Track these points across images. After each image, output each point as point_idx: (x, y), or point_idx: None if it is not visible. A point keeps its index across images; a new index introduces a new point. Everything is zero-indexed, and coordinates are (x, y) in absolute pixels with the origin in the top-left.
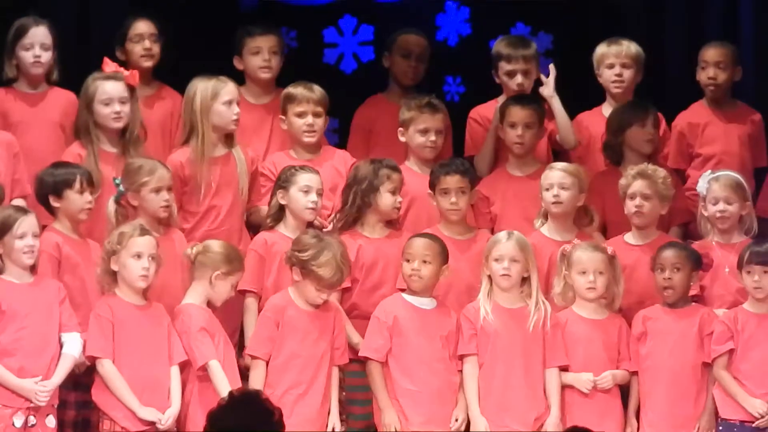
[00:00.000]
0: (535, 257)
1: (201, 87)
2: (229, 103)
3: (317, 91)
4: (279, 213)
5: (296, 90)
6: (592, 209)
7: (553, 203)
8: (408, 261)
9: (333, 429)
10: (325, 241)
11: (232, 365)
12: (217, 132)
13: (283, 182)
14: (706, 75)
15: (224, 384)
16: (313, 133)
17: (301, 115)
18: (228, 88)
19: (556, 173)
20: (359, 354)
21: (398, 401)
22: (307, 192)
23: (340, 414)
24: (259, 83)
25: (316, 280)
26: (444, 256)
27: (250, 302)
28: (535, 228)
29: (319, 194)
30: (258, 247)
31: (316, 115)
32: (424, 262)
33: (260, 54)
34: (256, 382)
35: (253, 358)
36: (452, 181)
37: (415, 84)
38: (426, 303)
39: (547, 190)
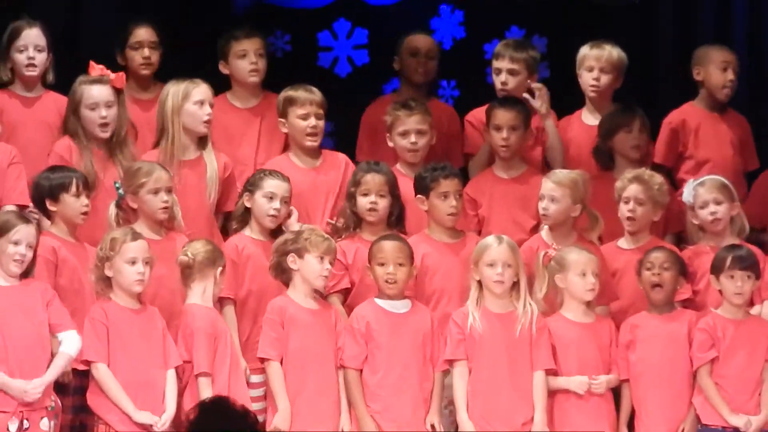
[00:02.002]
0: (533, 262)
1: (173, 89)
2: (201, 103)
3: (318, 93)
4: (245, 215)
5: (297, 93)
6: (595, 213)
7: (542, 215)
8: (382, 265)
9: (342, 429)
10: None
11: (236, 366)
12: (188, 134)
13: (250, 185)
14: (726, 77)
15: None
16: (316, 136)
17: (304, 117)
18: (200, 89)
19: (548, 185)
20: (338, 364)
21: (371, 408)
22: (271, 198)
23: None
24: (247, 87)
25: (315, 249)
26: (412, 257)
27: (228, 310)
28: (533, 231)
29: (284, 202)
30: (230, 253)
31: (318, 117)
32: (399, 264)
33: (247, 57)
34: (276, 382)
35: (266, 360)
36: (451, 184)
37: (426, 82)
38: (400, 306)
39: (540, 200)
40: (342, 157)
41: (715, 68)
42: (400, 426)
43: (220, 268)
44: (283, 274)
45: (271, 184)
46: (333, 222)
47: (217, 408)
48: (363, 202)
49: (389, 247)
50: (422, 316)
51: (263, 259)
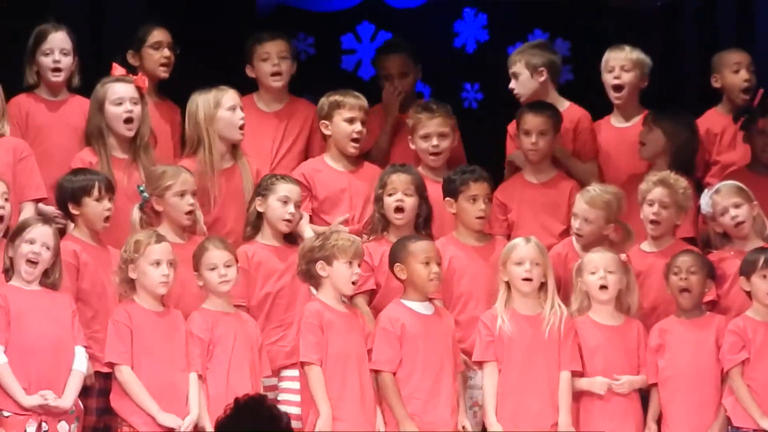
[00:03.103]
0: (562, 268)
1: (202, 99)
2: (233, 108)
3: (364, 99)
4: (257, 221)
5: (345, 97)
6: (628, 226)
7: (576, 234)
8: (426, 264)
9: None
10: (322, 230)
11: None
12: (224, 142)
13: (262, 190)
14: (740, 78)
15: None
16: (359, 142)
17: (351, 121)
18: (229, 95)
19: (582, 206)
20: (371, 367)
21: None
22: (285, 203)
23: None
24: (271, 90)
25: (343, 255)
26: None
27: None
28: (560, 236)
29: (297, 206)
30: (242, 262)
31: (363, 122)
32: (439, 264)
33: (269, 60)
34: (317, 386)
35: (308, 364)
36: (481, 188)
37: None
38: (425, 308)
39: (574, 217)
40: (378, 170)
41: (729, 71)
42: (437, 428)
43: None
44: (311, 280)
45: (284, 188)
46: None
47: (251, 407)
48: (389, 201)
49: (431, 246)
50: (447, 317)
51: (274, 264)
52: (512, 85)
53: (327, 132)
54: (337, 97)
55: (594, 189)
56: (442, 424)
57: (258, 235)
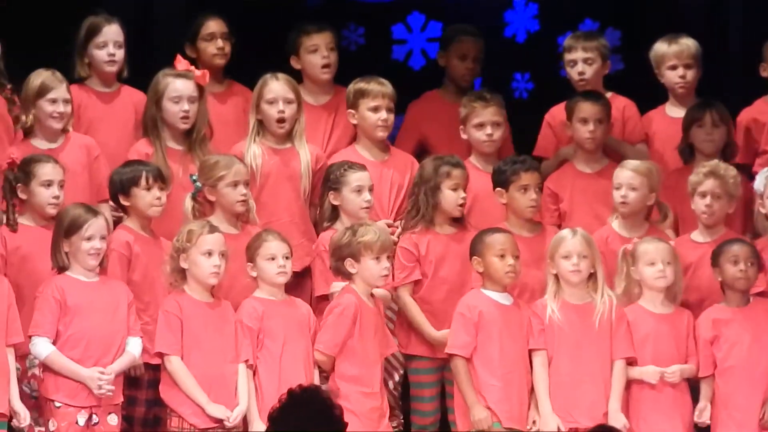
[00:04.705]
0: (605, 252)
1: (258, 83)
2: (271, 102)
3: (389, 86)
4: (334, 213)
5: (369, 85)
6: (666, 206)
7: (621, 203)
8: (502, 257)
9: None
10: (350, 225)
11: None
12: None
13: (333, 184)
14: None
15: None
16: (386, 128)
17: (375, 109)
18: (270, 87)
19: (626, 173)
20: (446, 351)
21: (484, 398)
22: (359, 191)
23: (392, 409)
24: (318, 82)
25: (370, 251)
26: None
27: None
28: (608, 223)
29: (371, 190)
30: (322, 251)
31: (389, 110)
32: (516, 257)
33: (318, 51)
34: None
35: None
36: (532, 177)
37: (471, 84)
38: (504, 298)
39: (617, 189)
40: (410, 158)
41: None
42: (511, 419)
43: None
44: (342, 275)
45: (356, 178)
46: (401, 222)
47: (304, 399)
48: (453, 196)
49: (507, 239)
50: (524, 308)
51: None
52: (581, 69)
53: (354, 121)
54: (361, 85)
55: (631, 161)
56: (517, 413)
57: (336, 224)
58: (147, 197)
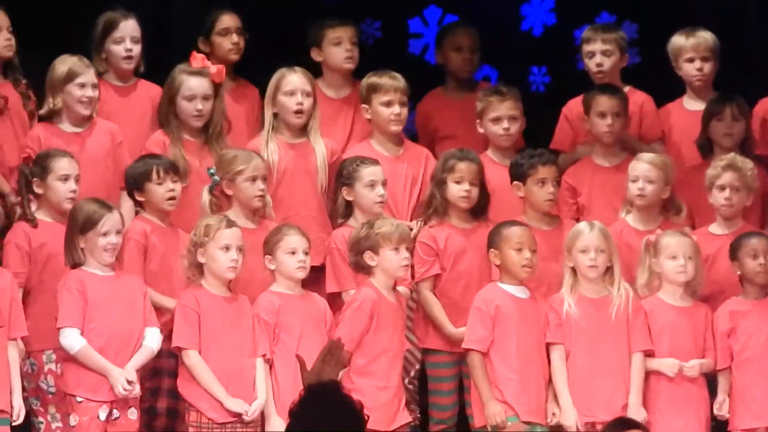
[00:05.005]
0: (619, 245)
1: (273, 77)
2: (290, 93)
3: (401, 79)
4: (348, 209)
5: (381, 79)
6: (678, 200)
7: (638, 196)
8: (519, 250)
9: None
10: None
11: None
12: (283, 121)
13: (346, 179)
14: None
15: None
16: (400, 122)
17: (388, 104)
18: (288, 79)
19: (643, 165)
20: (462, 346)
21: (501, 392)
22: (372, 186)
23: (408, 403)
24: (339, 75)
25: (388, 241)
26: None
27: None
28: (619, 217)
29: (384, 185)
30: (340, 245)
31: (402, 104)
32: (533, 251)
33: (342, 44)
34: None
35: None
36: (549, 171)
37: (470, 75)
38: (521, 292)
39: (633, 182)
40: (424, 151)
41: None
42: (529, 413)
43: None
44: (362, 270)
45: (369, 172)
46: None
47: (325, 394)
48: (456, 189)
49: (524, 233)
50: (541, 302)
51: None
52: (600, 61)
53: (368, 116)
54: (374, 80)
55: (646, 153)
56: (534, 407)
57: (350, 220)
58: (160, 191)
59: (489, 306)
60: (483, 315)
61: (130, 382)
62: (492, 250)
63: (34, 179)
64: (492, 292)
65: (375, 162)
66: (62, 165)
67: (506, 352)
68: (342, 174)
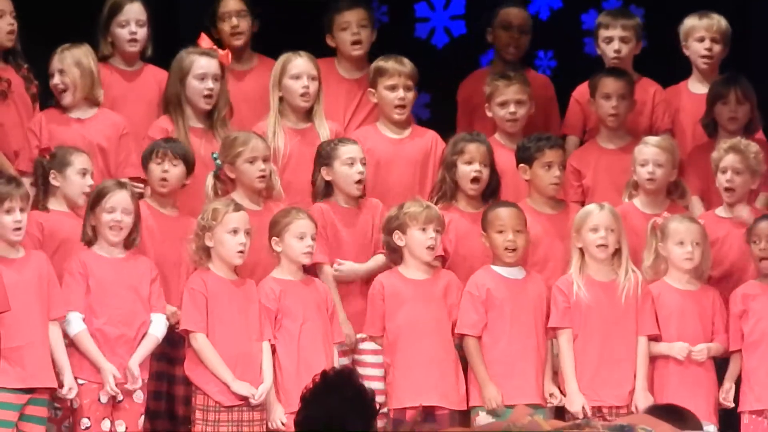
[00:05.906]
0: (626, 229)
1: (279, 60)
2: (296, 77)
3: (408, 64)
4: (327, 189)
5: (387, 63)
6: (683, 182)
7: (648, 180)
8: (501, 232)
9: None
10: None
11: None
12: (289, 105)
13: (325, 159)
14: None
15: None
16: (404, 108)
17: (392, 88)
18: (294, 63)
19: (651, 149)
20: (455, 331)
21: (496, 374)
22: (351, 164)
23: None
24: (351, 59)
25: (415, 221)
26: (526, 224)
27: (327, 269)
28: (623, 202)
29: (363, 164)
30: (318, 218)
31: (407, 88)
32: (518, 231)
33: (349, 29)
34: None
35: (372, 338)
36: (556, 154)
37: (518, 57)
38: (516, 273)
39: (642, 166)
40: (432, 134)
41: None
42: (524, 394)
43: None
44: (394, 253)
45: (346, 150)
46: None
47: (337, 382)
48: (466, 170)
49: (508, 214)
50: (538, 283)
51: (349, 226)
52: (618, 47)
53: (374, 100)
54: (380, 64)
55: (652, 137)
56: (529, 389)
57: (330, 199)
58: (156, 171)
59: (480, 290)
60: (474, 299)
61: (130, 377)
62: (482, 233)
63: (52, 171)
64: (483, 276)
65: (353, 141)
66: (82, 159)
67: (500, 334)
68: (321, 155)
